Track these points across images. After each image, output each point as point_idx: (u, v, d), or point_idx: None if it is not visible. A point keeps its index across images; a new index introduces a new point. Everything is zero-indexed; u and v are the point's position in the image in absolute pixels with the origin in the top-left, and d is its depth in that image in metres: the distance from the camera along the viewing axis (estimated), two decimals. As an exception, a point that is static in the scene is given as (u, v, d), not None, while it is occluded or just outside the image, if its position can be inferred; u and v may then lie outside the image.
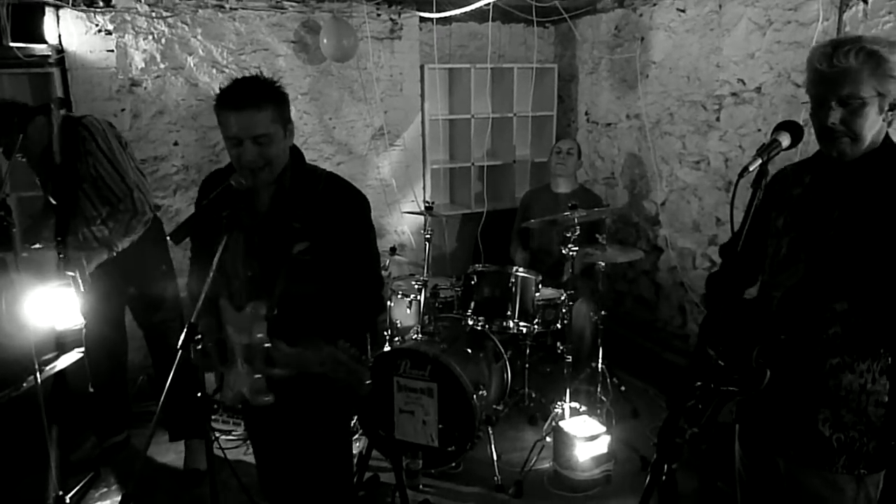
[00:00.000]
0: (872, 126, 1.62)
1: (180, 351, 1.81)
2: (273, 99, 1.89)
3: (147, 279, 3.27)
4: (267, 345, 1.91)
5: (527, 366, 3.98)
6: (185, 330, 1.80)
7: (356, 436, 3.54)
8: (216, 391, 2.17)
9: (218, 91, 1.92)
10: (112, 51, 4.03)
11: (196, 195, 4.42)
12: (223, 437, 3.69)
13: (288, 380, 1.93)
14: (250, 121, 1.84)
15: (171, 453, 3.52)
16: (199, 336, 1.85)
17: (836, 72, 1.60)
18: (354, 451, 2.61)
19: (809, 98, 1.70)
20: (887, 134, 1.68)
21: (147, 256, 3.26)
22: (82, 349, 3.03)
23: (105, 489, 3.28)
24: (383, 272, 3.73)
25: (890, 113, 1.62)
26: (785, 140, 1.62)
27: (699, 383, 1.50)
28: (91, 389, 3.30)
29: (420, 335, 3.61)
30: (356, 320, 2.06)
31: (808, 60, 1.67)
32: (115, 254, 3.09)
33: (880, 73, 1.58)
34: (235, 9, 4.28)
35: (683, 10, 4.23)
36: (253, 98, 1.85)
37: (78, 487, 3.15)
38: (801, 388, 1.70)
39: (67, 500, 2.99)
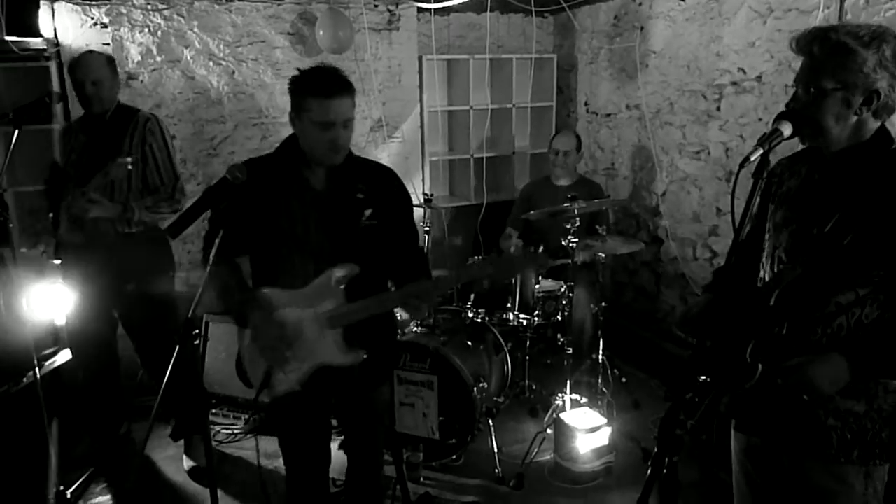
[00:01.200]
0: (839, 119, 1.57)
1: (178, 346, 1.81)
2: (352, 87, 2.09)
3: (145, 282, 3.22)
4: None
5: (527, 358, 3.97)
6: (183, 326, 1.80)
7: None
8: (262, 389, 2.13)
9: (295, 79, 2.07)
10: (108, 44, 4.00)
11: (194, 188, 4.42)
12: (223, 429, 3.70)
13: (362, 336, 2.13)
14: (343, 107, 2.04)
15: (171, 448, 3.52)
16: (197, 331, 1.85)
17: (803, 56, 1.60)
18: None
19: None
20: (882, 127, 1.62)
21: (148, 258, 3.22)
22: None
23: (105, 484, 3.26)
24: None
25: (865, 108, 1.56)
26: (786, 129, 1.60)
27: (700, 377, 1.49)
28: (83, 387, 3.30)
29: (420, 328, 3.61)
30: (417, 273, 2.23)
31: None
32: (128, 216, 3.03)
33: (847, 66, 1.52)
34: (232, 1, 4.26)
35: (683, -1, 4.20)
36: (342, 86, 2.05)
37: (79, 483, 3.14)
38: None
39: (68, 496, 2.99)
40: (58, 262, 3.24)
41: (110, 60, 3.16)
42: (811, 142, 1.66)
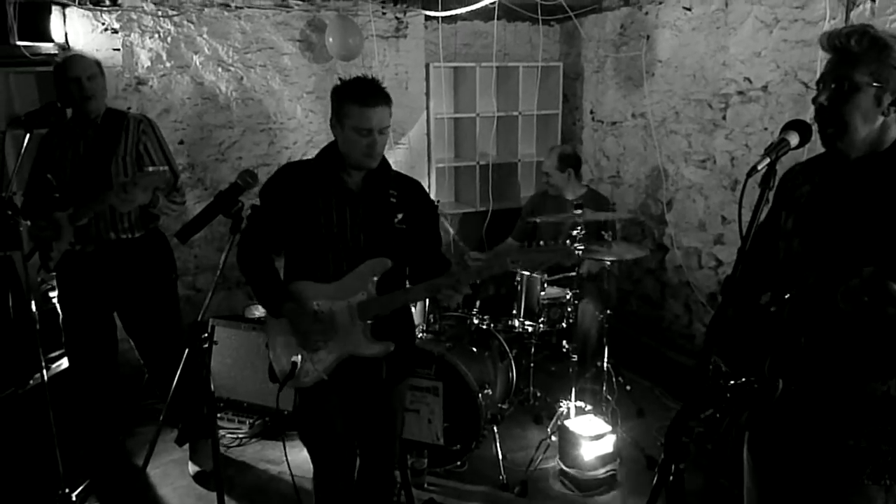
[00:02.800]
0: (865, 118, 1.56)
1: (187, 350, 1.82)
2: (389, 97, 2.20)
3: (147, 287, 3.21)
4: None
5: (532, 365, 3.97)
6: (192, 329, 1.81)
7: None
8: (287, 379, 2.22)
9: (338, 88, 2.18)
10: (118, 49, 4.04)
11: (202, 193, 4.44)
12: (228, 434, 3.70)
13: (389, 330, 2.26)
14: (383, 115, 2.16)
15: (176, 452, 3.53)
16: (206, 335, 1.86)
17: (833, 52, 1.58)
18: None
19: None
20: None
21: (147, 261, 3.22)
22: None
23: (108, 490, 3.26)
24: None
25: (893, 109, 1.55)
26: (793, 139, 1.59)
27: (718, 393, 1.48)
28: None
29: (425, 334, 3.62)
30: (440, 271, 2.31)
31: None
32: (153, 202, 3.04)
33: (881, 61, 1.53)
34: (241, 7, 4.29)
35: (689, 9, 4.22)
36: (384, 96, 2.17)
37: (81, 488, 3.14)
38: (820, 396, 1.64)
39: (73, 498, 2.99)
40: (53, 273, 3.22)
41: (98, 62, 3.17)
42: (833, 143, 1.62)
